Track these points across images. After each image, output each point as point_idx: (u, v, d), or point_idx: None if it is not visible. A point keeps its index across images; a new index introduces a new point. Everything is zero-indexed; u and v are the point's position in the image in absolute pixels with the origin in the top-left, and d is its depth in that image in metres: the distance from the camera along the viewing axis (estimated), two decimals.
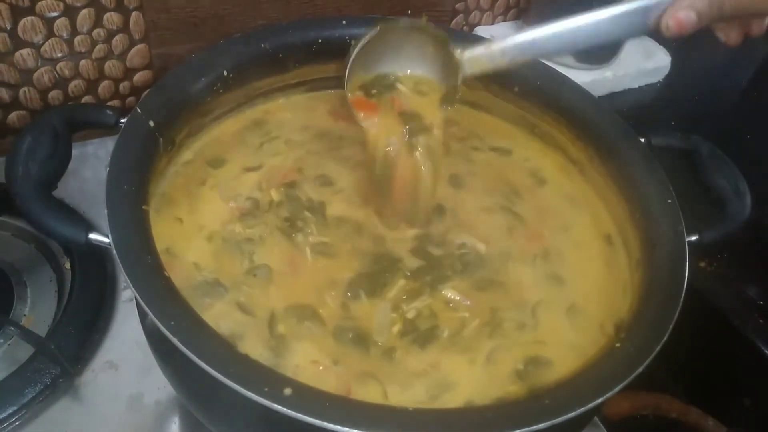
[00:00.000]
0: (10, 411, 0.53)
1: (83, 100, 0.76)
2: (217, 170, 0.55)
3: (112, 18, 0.72)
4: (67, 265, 0.64)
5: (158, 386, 0.57)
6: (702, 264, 0.73)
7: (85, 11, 0.70)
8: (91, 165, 0.74)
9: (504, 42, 0.50)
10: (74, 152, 0.73)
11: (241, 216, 0.52)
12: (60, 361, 0.55)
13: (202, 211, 0.52)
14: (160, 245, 0.43)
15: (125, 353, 0.59)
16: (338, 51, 0.60)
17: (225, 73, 0.55)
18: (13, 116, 0.73)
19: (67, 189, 0.70)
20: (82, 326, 0.59)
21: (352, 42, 0.53)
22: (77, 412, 0.55)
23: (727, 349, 0.69)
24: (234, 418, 0.42)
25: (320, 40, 0.60)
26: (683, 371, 0.72)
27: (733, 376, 0.69)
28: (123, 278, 0.51)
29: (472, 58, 0.50)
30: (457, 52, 0.51)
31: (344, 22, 0.60)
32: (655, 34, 0.46)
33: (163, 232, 0.47)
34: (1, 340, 0.58)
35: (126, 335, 0.61)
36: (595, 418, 0.61)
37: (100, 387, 0.57)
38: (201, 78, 0.54)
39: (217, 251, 0.49)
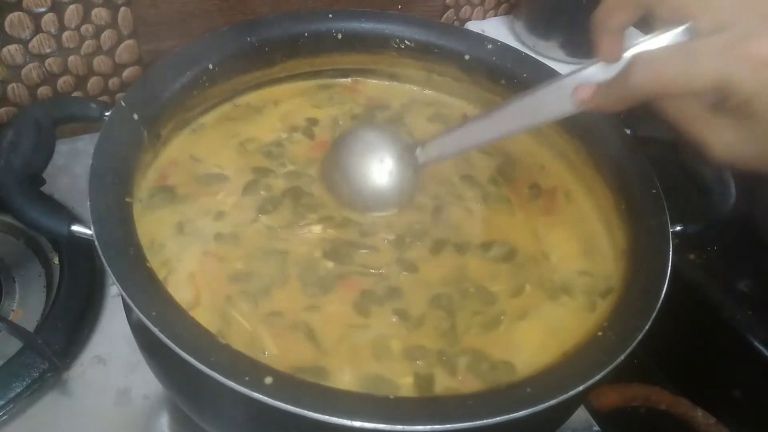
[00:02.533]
0: None
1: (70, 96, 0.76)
2: None
3: (100, 13, 0.71)
4: (56, 261, 0.64)
5: (146, 381, 0.57)
6: (691, 257, 0.73)
7: (72, 7, 0.70)
8: (82, 161, 0.75)
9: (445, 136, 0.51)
10: (65, 148, 0.74)
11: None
12: (48, 356, 0.55)
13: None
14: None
15: (113, 348, 0.59)
16: (325, 44, 0.61)
17: (211, 66, 0.55)
18: (1, 112, 0.73)
19: (58, 185, 0.70)
20: (71, 321, 0.59)
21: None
22: (65, 406, 0.55)
23: (716, 341, 0.69)
24: (218, 409, 0.42)
25: (306, 34, 0.59)
26: (673, 363, 0.72)
27: (722, 368, 0.69)
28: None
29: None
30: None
31: (330, 15, 0.60)
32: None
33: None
34: None
35: (114, 330, 0.61)
36: (585, 410, 0.62)
37: (88, 381, 0.57)
38: (186, 71, 0.53)
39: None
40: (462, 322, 0.46)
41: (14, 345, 0.56)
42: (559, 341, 0.45)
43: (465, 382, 0.43)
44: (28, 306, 0.62)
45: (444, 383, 0.43)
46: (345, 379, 0.42)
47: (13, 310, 0.61)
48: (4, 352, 0.56)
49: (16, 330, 0.56)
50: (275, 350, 0.43)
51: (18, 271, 0.64)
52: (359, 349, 0.44)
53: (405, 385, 0.42)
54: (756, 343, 0.66)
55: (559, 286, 0.50)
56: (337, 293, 0.47)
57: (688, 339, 0.70)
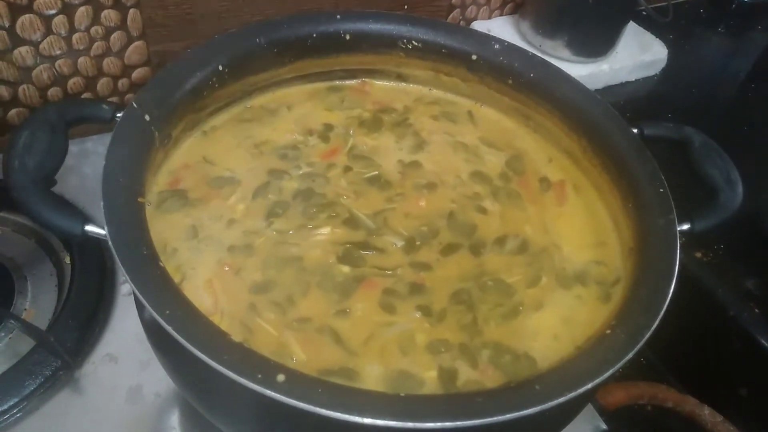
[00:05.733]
0: (11, 403, 0.54)
1: (82, 97, 0.76)
2: None
3: (109, 15, 0.72)
4: (67, 260, 0.65)
5: (158, 378, 0.58)
6: (698, 255, 0.73)
7: (83, 9, 0.70)
8: (91, 161, 0.75)
9: None
10: (74, 148, 0.75)
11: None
12: (60, 354, 0.56)
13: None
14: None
15: (125, 346, 0.60)
16: (333, 45, 0.61)
17: (220, 67, 0.55)
18: (13, 113, 0.74)
19: (67, 185, 0.71)
20: (82, 320, 0.60)
21: None
22: (77, 404, 0.56)
23: (723, 339, 0.69)
24: (230, 406, 0.42)
25: (315, 35, 0.60)
26: (680, 361, 0.72)
27: (729, 366, 0.70)
28: (122, 272, 0.52)
29: None
30: None
31: (339, 16, 0.61)
32: None
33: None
34: (2, 334, 0.58)
35: (125, 329, 0.61)
36: (592, 408, 0.62)
37: (99, 379, 0.58)
38: (197, 73, 0.54)
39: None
40: (482, 315, 0.47)
41: (27, 343, 0.57)
42: (574, 332, 0.46)
43: (487, 375, 0.44)
44: (40, 305, 0.62)
45: (467, 376, 0.44)
46: (372, 377, 0.43)
47: (25, 309, 0.62)
48: (17, 350, 0.57)
49: (29, 328, 0.57)
50: (303, 355, 0.43)
51: (30, 270, 0.65)
52: (387, 346, 0.45)
53: (429, 379, 0.43)
54: (763, 341, 0.66)
55: (572, 276, 0.51)
56: (360, 295, 0.48)
57: (695, 337, 0.70)
